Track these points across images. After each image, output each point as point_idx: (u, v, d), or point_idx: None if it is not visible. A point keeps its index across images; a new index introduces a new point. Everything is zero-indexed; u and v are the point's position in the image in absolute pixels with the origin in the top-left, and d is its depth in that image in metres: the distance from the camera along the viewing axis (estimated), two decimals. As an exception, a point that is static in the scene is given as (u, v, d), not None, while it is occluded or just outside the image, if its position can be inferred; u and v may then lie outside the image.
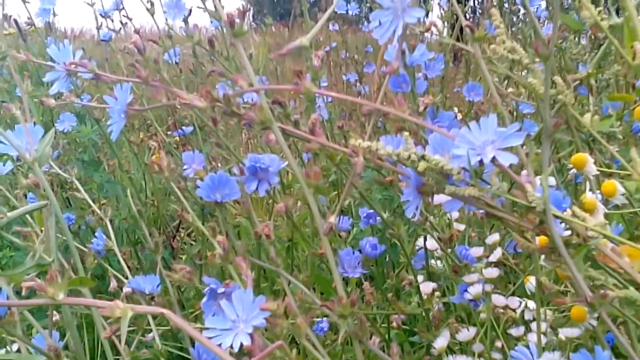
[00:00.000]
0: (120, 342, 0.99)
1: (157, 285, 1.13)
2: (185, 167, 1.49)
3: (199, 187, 0.77)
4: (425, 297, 0.89)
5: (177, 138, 2.38)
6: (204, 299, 0.75)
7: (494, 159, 0.53)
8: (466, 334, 0.87)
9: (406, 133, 0.56)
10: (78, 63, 0.72)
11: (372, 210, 1.07)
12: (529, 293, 0.97)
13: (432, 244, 0.92)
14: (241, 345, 0.56)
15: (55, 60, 0.73)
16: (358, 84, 2.72)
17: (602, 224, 0.52)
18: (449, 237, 0.86)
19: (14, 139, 0.81)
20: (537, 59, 0.59)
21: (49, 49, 0.72)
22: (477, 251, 0.88)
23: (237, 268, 0.85)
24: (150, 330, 1.13)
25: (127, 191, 2.07)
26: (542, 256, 0.86)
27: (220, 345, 0.55)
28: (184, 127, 2.01)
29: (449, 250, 0.87)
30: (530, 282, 0.98)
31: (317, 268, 1.22)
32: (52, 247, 0.74)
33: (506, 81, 1.78)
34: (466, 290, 0.86)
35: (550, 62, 0.52)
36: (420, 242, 1.05)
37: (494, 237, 0.97)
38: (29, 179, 0.87)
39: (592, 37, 0.81)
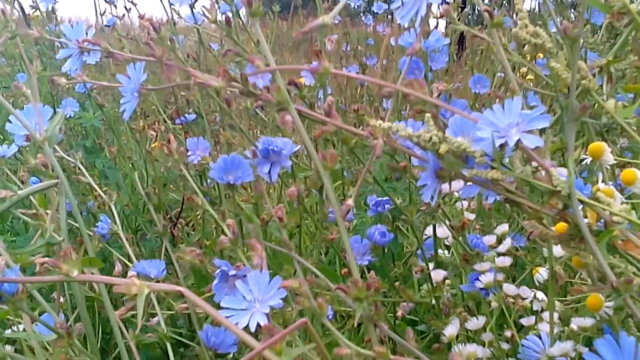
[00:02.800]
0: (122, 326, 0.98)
1: (163, 270, 1.12)
2: (189, 153, 1.48)
3: (211, 169, 0.76)
4: (435, 284, 0.88)
5: (177, 126, 2.38)
6: (215, 281, 0.74)
7: (518, 142, 0.52)
8: (475, 322, 0.86)
9: (428, 114, 0.55)
10: (92, 41, 0.71)
11: (380, 198, 1.06)
12: (537, 284, 0.96)
13: (442, 232, 0.91)
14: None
15: (68, 38, 0.72)
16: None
17: (627, 209, 0.52)
18: (461, 225, 0.85)
19: (24, 118, 0.80)
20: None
21: (62, 27, 0.71)
22: (490, 239, 0.87)
23: (244, 253, 0.84)
24: (155, 314, 1.12)
25: (131, 177, 2.06)
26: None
27: (236, 324, 0.54)
28: (186, 115, 2.00)
29: (461, 238, 0.87)
30: (540, 273, 0.97)
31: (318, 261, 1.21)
32: (63, 227, 0.73)
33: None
34: (477, 279, 0.85)
35: (578, 44, 0.52)
36: (427, 231, 1.05)
37: (503, 228, 0.96)
38: (37, 159, 0.86)
39: (610, 27, 0.81)
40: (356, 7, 3.58)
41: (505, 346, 0.88)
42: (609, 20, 0.79)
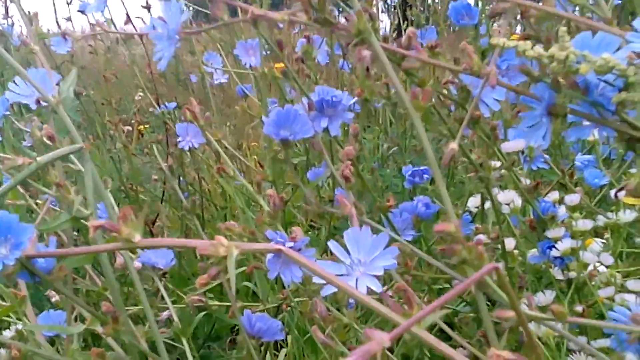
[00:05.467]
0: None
1: (172, 260, 1.01)
2: (179, 139, 1.37)
3: (265, 125, 0.65)
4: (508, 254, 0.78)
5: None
6: (268, 256, 0.64)
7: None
8: (543, 298, 0.77)
9: (563, 28, 0.46)
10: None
11: (417, 168, 0.97)
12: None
13: (504, 196, 0.81)
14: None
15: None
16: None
17: None
18: (535, 185, 0.76)
19: (33, 79, 0.68)
20: None
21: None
22: (573, 198, 0.77)
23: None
24: (166, 308, 1.01)
25: (104, 172, 1.93)
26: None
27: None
28: (166, 104, 1.88)
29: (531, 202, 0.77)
30: (596, 242, 0.88)
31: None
32: (90, 198, 0.62)
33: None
34: (551, 247, 0.76)
35: None
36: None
37: (554, 196, 0.87)
38: (43, 130, 0.74)
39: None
40: None
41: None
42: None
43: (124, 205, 1.98)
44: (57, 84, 0.74)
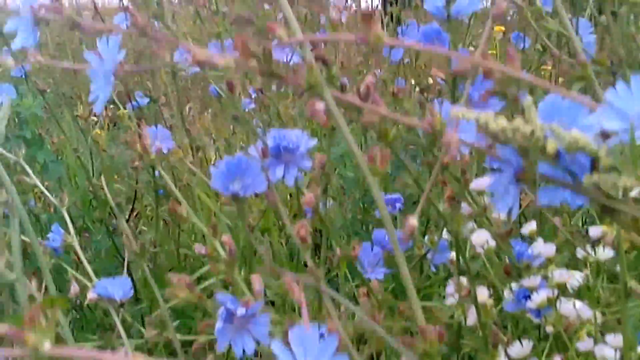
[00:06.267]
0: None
1: (130, 289, 0.95)
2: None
3: (213, 177, 0.58)
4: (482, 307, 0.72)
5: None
6: (218, 324, 0.58)
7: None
8: (519, 349, 0.72)
9: (529, 97, 0.40)
10: (49, 7, 0.53)
11: (392, 196, 0.91)
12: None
13: (478, 238, 0.76)
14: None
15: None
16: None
17: None
18: (508, 231, 0.70)
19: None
20: None
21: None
22: (549, 249, 0.72)
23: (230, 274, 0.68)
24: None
25: (75, 171, 1.86)
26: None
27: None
28: (138, 100, 1.80)
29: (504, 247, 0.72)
30: (576, 278, 0.84)
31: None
32: (17, 261, 0.55)
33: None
34: (527, 297, 0.70)
35: None
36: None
37: (531, 226, 0.82)
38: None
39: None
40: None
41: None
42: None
43: (94, 208, 1.90)
44: None
